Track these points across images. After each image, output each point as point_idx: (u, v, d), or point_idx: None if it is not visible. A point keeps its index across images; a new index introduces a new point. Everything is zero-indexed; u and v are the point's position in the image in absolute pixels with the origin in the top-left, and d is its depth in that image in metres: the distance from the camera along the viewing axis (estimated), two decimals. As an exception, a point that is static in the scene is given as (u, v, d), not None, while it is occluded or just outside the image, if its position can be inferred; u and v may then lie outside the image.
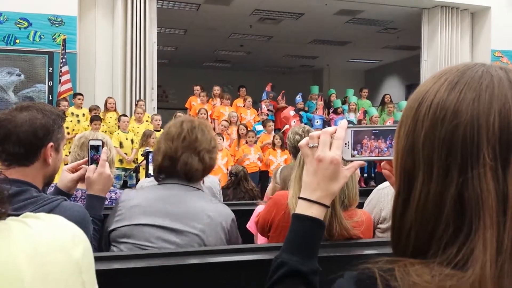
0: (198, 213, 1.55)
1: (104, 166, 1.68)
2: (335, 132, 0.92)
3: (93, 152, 1.71)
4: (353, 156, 0.93)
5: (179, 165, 1.61)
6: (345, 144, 0.92)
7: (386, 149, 0.93)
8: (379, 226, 2.25)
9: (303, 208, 0.93)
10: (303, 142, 0.95)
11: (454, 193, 0.56)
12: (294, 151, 2.84)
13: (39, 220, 0.62)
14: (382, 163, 0.85)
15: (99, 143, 1.73)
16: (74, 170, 1.73)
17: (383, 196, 2.26)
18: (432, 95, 0.60)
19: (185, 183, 1.63)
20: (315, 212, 0.92)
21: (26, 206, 1.35)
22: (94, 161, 1.71)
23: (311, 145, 0.93)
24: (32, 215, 0.63)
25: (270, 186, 2.93)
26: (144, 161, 3.28)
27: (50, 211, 1.37)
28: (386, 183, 2.25)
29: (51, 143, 1.47)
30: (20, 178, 1.41)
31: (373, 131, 0.93)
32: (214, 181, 3.16)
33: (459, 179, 0.56)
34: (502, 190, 0.54)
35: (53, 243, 0.60)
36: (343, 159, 0.93)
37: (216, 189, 3.09)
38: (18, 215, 0.61)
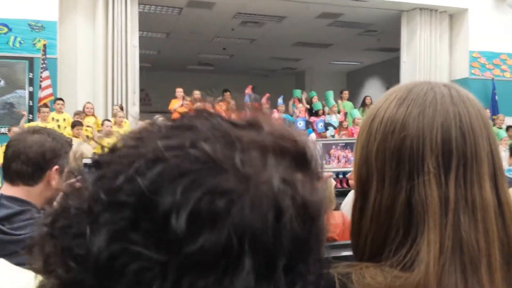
0: None
1: None
2: None
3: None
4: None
5: None
6: None
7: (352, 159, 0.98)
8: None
9: None
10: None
11: (403, 199, 0.61)
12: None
13: None
14: (349, 174, 0.91)
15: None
16: None
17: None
18: (383, 111, 0.65)
19: None
20: None
21: (26, 226, 1.38)
22: None
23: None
24: None
25: None
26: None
27: None
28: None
29: (57, 167, 1.52)
30: (23, 197, 1.45)
31: (340, 144, 0.98)
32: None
33: (407, 186, 0.61)
34: (444, 195, 0.60)
35: None
36: None
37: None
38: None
